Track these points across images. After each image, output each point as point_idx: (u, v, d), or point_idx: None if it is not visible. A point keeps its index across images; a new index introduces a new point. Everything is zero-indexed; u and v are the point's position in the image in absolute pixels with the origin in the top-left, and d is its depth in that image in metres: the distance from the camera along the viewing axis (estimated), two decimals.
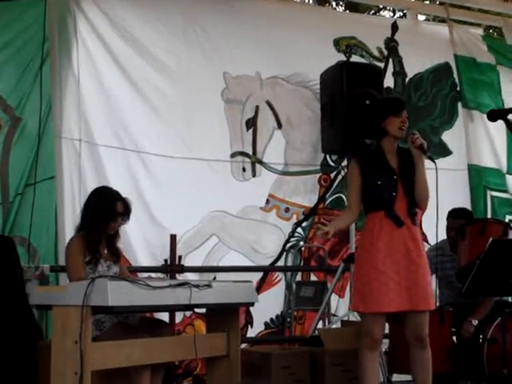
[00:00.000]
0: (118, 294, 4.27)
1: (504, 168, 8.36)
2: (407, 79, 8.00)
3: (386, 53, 7.90)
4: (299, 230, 7.38)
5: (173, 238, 6.51)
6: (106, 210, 5.12)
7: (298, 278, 7.35)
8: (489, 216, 7.91)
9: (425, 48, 8.09)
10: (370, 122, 5.15)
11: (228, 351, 5.33)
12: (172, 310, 5.64)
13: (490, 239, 4.77)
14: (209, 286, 4.93)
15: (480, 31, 8.71)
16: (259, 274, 7.07)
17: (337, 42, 7.67)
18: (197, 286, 4.81)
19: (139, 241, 6.48)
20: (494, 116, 4.75)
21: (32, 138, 6.28)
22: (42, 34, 6.28)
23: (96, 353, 4.32)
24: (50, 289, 5.06)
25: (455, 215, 6.49)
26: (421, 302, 4.83)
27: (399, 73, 7.94)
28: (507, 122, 4.62)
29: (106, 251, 5.17)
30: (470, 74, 8.31)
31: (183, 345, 4.94)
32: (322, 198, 7.49)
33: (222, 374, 5.33)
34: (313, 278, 7.42)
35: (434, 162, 4.93)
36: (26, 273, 6.01)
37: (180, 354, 5.02)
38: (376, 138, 5.10)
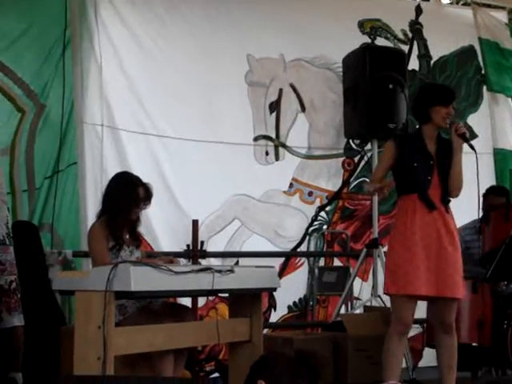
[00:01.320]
0: (141, 279, 4.26)
1: None
2: (432, 62, 7.92)
3: (410, 35, 7.83)
4: (323, 213, 7.34)
5: (195, 223, 6.51)
6: (128, 195, 5.08)
7: (321, 262, 7.33)
8: None
9: (449, 31, 8.00)
10: (414, 104, 5.12)
11: (250, 336, 5.31)
12: (195, 295, 5.61)
13: None
14: (231, 271, 4.90)
15: (504, 14, 8.61)
16: (282, 258, 7.06)
17: (361, 24, 7.61)
18: (219, 271, 4.79)
19: (161, 225, 6.46)
20: None
21: (56, 125, 6.33)
22: (64, 19, 6.32)
23: (119, 338, 4.31)
24: (72, 274, 5.04)
25: (498, 192, 6.45)
26: (447, 289, 4.81)
27: (424, 55, 7.87)
28: None
29: (127, 236, 5.15)
30: (494, 58, 8.23)
31: (206, 330, 4.93)
32: (346, 182, 7.46)
33: (245, 360, 5.30)
34: (336, 262, 7.41)
35: (475, 151, 4.92)
36: (49, 258, 6.05)
37: (203, 338, 5.02)
38: (419, 122, 5.09)
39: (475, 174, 7.18)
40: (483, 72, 8.18)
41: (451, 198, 4.99)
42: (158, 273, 4.39)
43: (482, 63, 8.17)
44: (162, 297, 4.92)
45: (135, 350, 4.50)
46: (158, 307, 5.05)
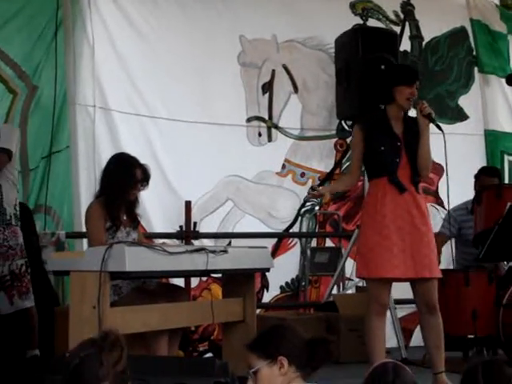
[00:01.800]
0: (136, 259, 4.29)
1: None
2: (424, 43, 7.93)
3: (402, 16, 7.84)
4: None
5: (188, 204, 6.53)
6: (126, 176, 5.09)
7: (313, 242, 7.36)
8: (506, 181, 7.86)
9: (441, 12, 7.99)
10: (382, 86, 5.11)
11: (244, 316, 5.35)
12: (189, 275, 5.64)
13: (508, 204, 4.75)
14: (225, 251, 4.94)
15: None
16: (274, 239, 7.09)
17: (353, 6, 7.61)
18: (213, 252, 4.82)
19: (154, 207, 6.47)
20: None
21: (49, 107, 6.31)
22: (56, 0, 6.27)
23: (114, 318, 4.33)
24: (67, 255, 5.07)
25: (490, 173, 6.47)
26: (425, 270, 4.82)
27: (416, 36, 7.87)
28: None
29: (125, 217, 5.17)
30: (486, 39, 8.24)
31: (200, 310, 4.97)
32: (338, 163, 7.49)
33: (238, 340, 5.33)
34: (328, 242, 7.44)
35: (442, 131, 4.89)
36: (42, 239, 6.05)
37: (197, 319, 5.06)
38: (384, 103, 5.06)
39: (463, 156, 7.29)
40: (474, 53, 8.19)
41: (421, 178, 4.97)
42: (153, 253, 4.42)
43: (473, 44, 8.18)
44: (156, 277, 4.95)
45: (130, 330, 4.51)
46: (152, 287, 5.08)
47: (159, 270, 4.52)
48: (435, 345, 4.97)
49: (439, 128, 4.92)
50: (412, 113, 5.10)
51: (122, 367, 2.29)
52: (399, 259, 4.77)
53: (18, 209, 5.33)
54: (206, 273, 5.10)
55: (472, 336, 5.63)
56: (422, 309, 4.98)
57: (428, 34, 7.94)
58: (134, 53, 6.57)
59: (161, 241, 6.20)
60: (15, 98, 6.20)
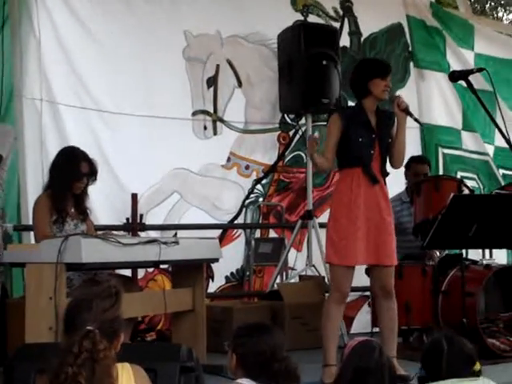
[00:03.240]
0: (91, 251, 4.38)
1: (459, 125, 8.55)
2: (362, 39, 8.11)
3: (341, 13, 7.99)
4: (259, 186, 7.50)
5: (134, 196, 6.59)
6: (70, 169, 5.21)
7: (258, 233, 7.50)
8: (440, 173, 8.12)
9: (378, 9, 8.13)
10: (352, 79, 5.25)
11: (194, 306, 5.48)
12: (142, 266, 5.75)
13: (452, 194, 4.97)
14: (176, 242, 5.06)
15: None
16: (219, 230, 7.19)
17: (294, 2, 7.73)
18: (165, 243, 4.94)
19: (100, 199, 6.46)
20: (455, 76, 4.92)
21: None
22: None
23: None
24: (23, 247, 5.14)
25: (419, 160, 6.71)
26: (386, 258, 5.06)
27: (355, 32, 8.05)
28: (468, 83, 4.77)
29: (72, 210, 5.25)
30: (421, 35, 8.43)
31: (152, 300, 5.08)
32: (281, 156, 7.62)
33: (188, 329, 5.48)
34: (271, 233, 7.58)
35: (421, 124, 5.28)
36: None
37: (149, 309, 5.17)
38: (357, 97, 5.22)
39: None
40: (410, 49, 8.38)
41: (392, 170, 5.23)
42: (108, 245, 4.51)
43: (409, 40, 8.37)
44: (112, 268, 5.05)
45: None
46: (103, 279, 5.16)
47: (114, 262, 4.62)
48: (389, 327, 5.20)
49: (417, 121, 5.20)
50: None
51: (111, 315, 2.44)
52: (363, 247, 4.99)
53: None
54: (158, 264, 5.21)
55: (405, 327, 5.84)
56: (379, 292, 5.21)
57: (366, 30, 8.11)
58: (80, 47, 6.59)
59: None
60: None
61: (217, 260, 5.63)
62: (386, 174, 5.13)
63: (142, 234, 6.50)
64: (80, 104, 6.57)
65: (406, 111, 5.08)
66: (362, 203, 5.02)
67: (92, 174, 5.30)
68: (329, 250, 5.12)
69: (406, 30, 8.36)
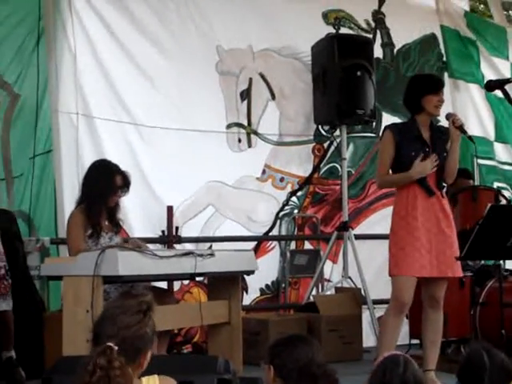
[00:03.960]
0: (128, 263, 4.41)
1: (491, 136, 8.52)
2: (395, 50, 8.08)
3: (373, 25, 7.97)
4: (294, 198, 7.48)
5: (170, 209, 6.60)
6: (105, 183, 5.21)
7: (293, 245, 7.47)
8: (477, 183, 8.05)
9: (411, 19, 8.13)
10: (406, 95, 5.25)
11: (229, 318, 5.49)
12: (178, 278, 5.77)
13: (489, 204, 4.94)
14: (212, 254, 5.07)
15: (465, 2, 8.83)
16: (254, 243, 7.16)
17: (325, 15, 7.72)
18: (201, 255, 4.95)
19: (136, 212, 6.52)
20: (491, 86, 4.89)
21: (32, 114, 6.37)
22: (38, 10, 6.34)
23: None
24: (60, 260, 5.17)
25: (467, 175, 6.67)
26: (448, 269, 5.05)
27: (387, 44, 8.02)
28: (504, 92, 4.74)
29: (106, 223, 5.26)
30: (455, 45, 8.40)
31: (188, 312, 5.10)
32: (316, 168, 7.59)
33: (224, 341, 5.48)
34: (307, 245, 7.56)
35: (474, 142, 5.28)
36: (27, 245, 6.09)
37: (185, 321, 5.18)
38: (411, 113, 5.22)
39: None
40: (444, 59, 8.34)
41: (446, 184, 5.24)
42: (144, 257, 4.53)
43: (443, 50, 8.33)
44: (147, 280, 5.04)
45: None
46: (139, 292, 5.15)
47: (151, 274, 4.64)
48: (431, 340, 5.17)
49: (471, 139, 5.24)
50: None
51: (137, 332, 2.43)
52: (426, 260, 4.99)
53: None
54: (194, 276, 5.22)
55: (443, 339, 5.78)
56: (427, 303, 5.19)
57: (399, 41, 8.09)
58: (115, 61, 6.62)
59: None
60: None
61: (253, 272, 5.63)
62: (442, 186, 5.16)
63: (178, 247, 6.52)
64: (116, 118, 6.60)
65: (461, 129, 5.08)
66: (419, 215, 5.03)
67: (125, 186, 5.31)
68: (390, 264, 5.11)
69: (440, 40, 8.33)
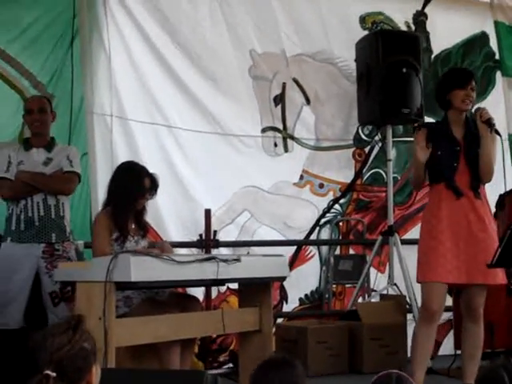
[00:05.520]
0: (142, 269, 4.24)
1: None
2: (433, 56, 7.74)
3: (413, 28, 7.66)
4: (336, 206, 7.27)
5: (207, 212, 6.45)
6: (133, 186, 5.01)
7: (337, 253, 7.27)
8: None
9: (458, 19, 7.79)
10: (436, 92, 5.10)
11: (260, 326, 5.28)
12: (199, 285, 5.57)
13: None
14: (238, 260, 4.87)
15: None
16: (291, 250, 6.97)
17: (363, 19, 7.45)
18: (225, 261, 4.75)
19: (171, 216, 6.42)
20: None
21: (66, 116, 6.23)
22: (72, 8, 6.24)
23: (120, 329, 4.30)
24: (73, 265, 5.02)
25: None
26: (479, 276, 4.76)
27: (425, 50, 7.62)
28: None
29: (133, 226, 5.10)
30: (510, 42, 8.05)
31: (211, 320, 4.90)
32: (358, 174, 7.36)
33: (255, 349, 5.27)
34: (351, 252, 7.36)
35: (500, 136, 5.01)
36: None
37: (208, 329, 4.99)
38: (443, 109, 5.04)
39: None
40: (497, 57, 8.00)
41: (484, 184, 4.93)
42: (160, 262, 4.36)
43: (495, 48, 7.99)
44: (165, 287, 4.86)
45: (138, 342, 4.47)
46: (164, 298, 5.00)
47: (167, 280, 4.46)
48: (469, 353, 4.93)
49: (498, 133, 4.95)
50: None
51: (71, 351, 2.21)
52: (452, 265, 4.74)
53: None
54: (217, 282, 5.02)
55: (489, 350, 5.49)
56: (465, 313, 4.96)
57: (439, 46, 7.76)
58: (150, 63, 6.52)
59: (183, 250, 6.16)
60: None
61: (283, 278, 5.42)
62: (476, 187, 4.86)
63: (215, 251, 6.35)
64: (151, 120, 6.49)
65: (488, 123, 4.81)
66: (444, 217, 4.80)
67: (153, 188, 5.14)
68: (417, 269, 4.91)
69: (492, 37, 7.99)
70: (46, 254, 5.24)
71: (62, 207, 5.40)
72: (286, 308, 6.92)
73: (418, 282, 4.93)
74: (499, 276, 4.84)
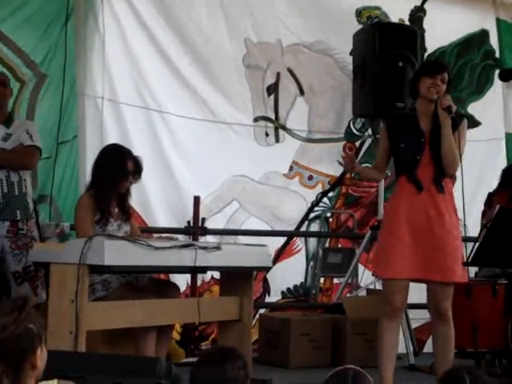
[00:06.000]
0: (116, 253, 4.21)
1: None
2: (426, 54, 7.58)
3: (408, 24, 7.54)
4: (325, 199, 7.22)
5: (196, 199, 6.39)
6: (117, 168, 4.99)
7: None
8: None
9: (458, 15, 7.70)
10: (410, 82, 5.00)
11: (240, 316, 5.23)
12: (177, 271, 5.52)
13: (497, 206, 4.54)
14: (218, 248, 4.83)
15: None
16: (279, 242, 6.92)
17: (359, 13, 7.38)
18: (204, 248, 4.71)
19: (159, 202, 6.40)
20: (505, 75, 4.52)
21: (58, 96, 6.21)
22: None
23: (93, 313, 4.28)
24: (48, 246, 5.00)
25: None
26: (437, 273, 4.63)
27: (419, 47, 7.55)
28: None
29: (116, 210, 5.07)
30: (511, 40, 7.96)
31: (188, 308, 4.86)
32: None
33: (234, 339, 5.23)
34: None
35: (467, 117, 4.95)
36: (46, 230, 5.96)
37: (184, 317, 4.96)
38: (413, 99, 4.96)
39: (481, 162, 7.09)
40: (497, 55, 7.89)
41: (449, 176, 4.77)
42: (135, 247, 4.33)
43: (495, 46, 7.89)
44: (139, 272, 4.82)
45: (111, 326, 4.45)
46: (143, 284, 4.97)
47: (142, 265, 4.42)
48: (441, 352, 4.81)
49: (462, 116, 4.91)
50: None
51: (16, 332, 2.18)
52: (411, 260, 4.62)
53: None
54: (196, 269, 4.99)
55: (471, 350, 5.43)
56: (432, 313, 4.85)
57: (433, 44, 7.64)
58: (144, 48, 6.49)
59: (164, 235, 6.12)
60: (22, 87, 6.10)
61: (265, 268, 5.38)
62: (439, 181, 4.68)
63: (202, 239, 6.31)
64: (142, 104, 6.46)
65: (448, 110, 4.64)
66: (403, 213, 4.66)
67: (137, 172, 5.10)
68: (373, 262, 4.94)
69: (493, 35, 7.89)
70: (10, 234, 5.19)
71: (24, 183, 5.34)
72: (269, 300, 6.88)
73: (376, 276, 4.92)
74: (458, 274, 4.68)
